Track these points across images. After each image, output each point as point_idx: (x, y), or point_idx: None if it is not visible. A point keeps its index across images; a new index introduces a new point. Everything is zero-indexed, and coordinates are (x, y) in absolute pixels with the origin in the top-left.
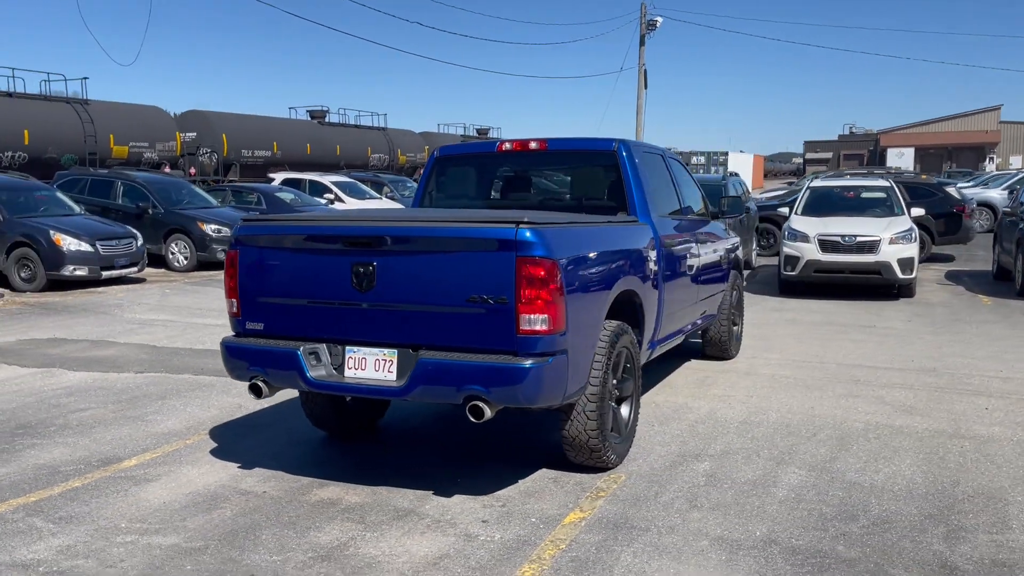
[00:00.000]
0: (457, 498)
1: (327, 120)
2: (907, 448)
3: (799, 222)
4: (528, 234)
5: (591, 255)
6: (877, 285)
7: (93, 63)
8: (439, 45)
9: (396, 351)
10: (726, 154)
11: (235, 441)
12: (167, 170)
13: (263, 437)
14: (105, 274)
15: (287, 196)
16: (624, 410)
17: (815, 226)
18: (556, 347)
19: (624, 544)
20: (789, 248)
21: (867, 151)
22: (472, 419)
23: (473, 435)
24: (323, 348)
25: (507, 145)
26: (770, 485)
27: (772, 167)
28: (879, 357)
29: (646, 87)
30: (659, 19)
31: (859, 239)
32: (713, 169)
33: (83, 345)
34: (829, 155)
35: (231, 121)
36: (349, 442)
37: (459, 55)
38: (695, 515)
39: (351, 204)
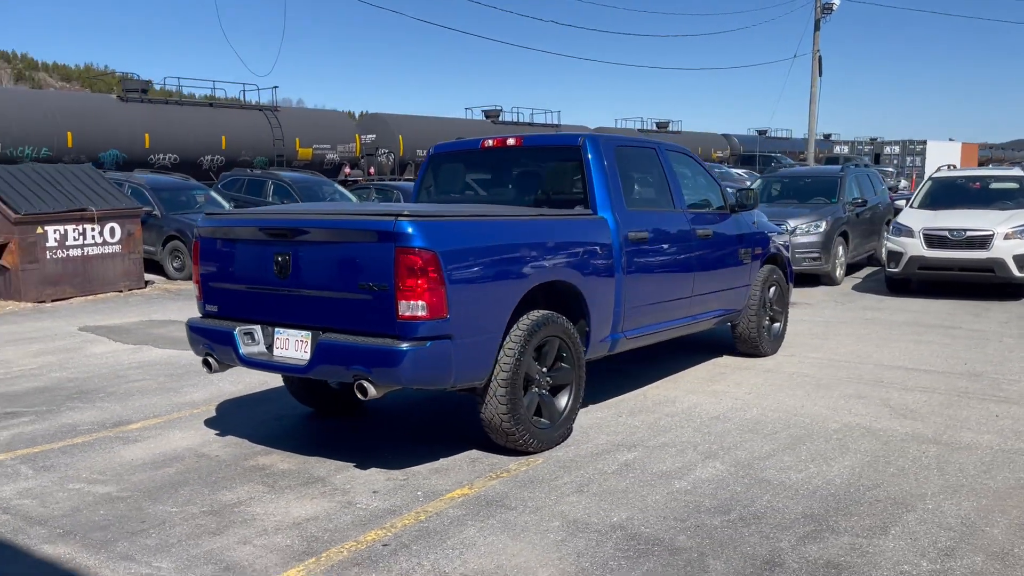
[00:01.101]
0: (371, 471)
1: (500, 119)
2: (860, 450)
3: (908, 215)
4: (407, 226)
5: (490, 246)
6: (994, 284)
7: (281, 75)
8: (611, 44)
9: (310, 333)
10: (924, 143)
11: (233, 412)
12: (347, 170)
13: (260, 410)
14: None
15: None
16: (562, 399)
17: (923, 219)
18: (438, 332)
19: (479, 520)
20: (892, 243)
21: None
22: (360, 396)
23: (444, 416)
24: (258, 329)
25: (489, 142)
26: (676, 477)
27: (1004, 155)
28: (931, 359)
29: (820, 74)
30: (836, 1)
31: (969, 233)
32: (908, 160)
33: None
34: None
35: (407, 123)
36: (330, 419)
37: (630, 53)
38: (572, 499)
39: None
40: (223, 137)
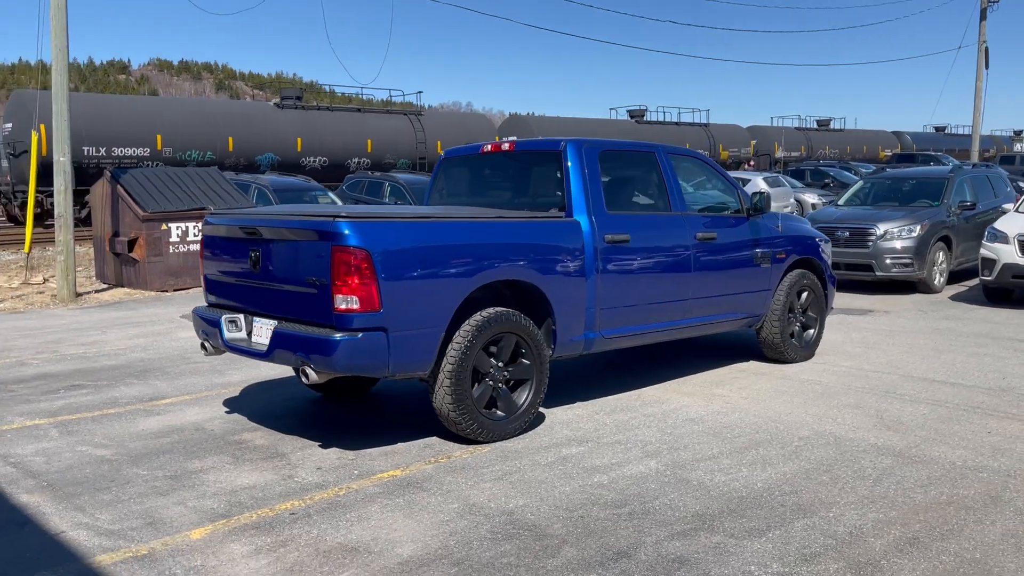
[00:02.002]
0: (330, 450)
1: (645, 119)
2: (809, 458)
3: (1006, 220)
4: (343, 227)
5: (430, 246)
6: None
7: (427, 80)
8: (768, 43)
9: (275, 322)
10: None
11: (254, 393)
12: None
13: (277, 392)
14: None
15: None
16: (522, 393)
17: (1022, 224)
18: (371, 324)
19: (389, 498)
20: (986, 250)
21: None
22: (303, 380)
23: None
24: (241, 318)
25: (487, 147)
26: (601, 472)
27: None
28: (969, 372)
29: (987, 66)
30: None
31: None
32: None
33: None
34: None
35: (548, 124)
36: (334, 403)
37: (787, 51)
38: (486, 486)
39: None
40: (369, 140)
